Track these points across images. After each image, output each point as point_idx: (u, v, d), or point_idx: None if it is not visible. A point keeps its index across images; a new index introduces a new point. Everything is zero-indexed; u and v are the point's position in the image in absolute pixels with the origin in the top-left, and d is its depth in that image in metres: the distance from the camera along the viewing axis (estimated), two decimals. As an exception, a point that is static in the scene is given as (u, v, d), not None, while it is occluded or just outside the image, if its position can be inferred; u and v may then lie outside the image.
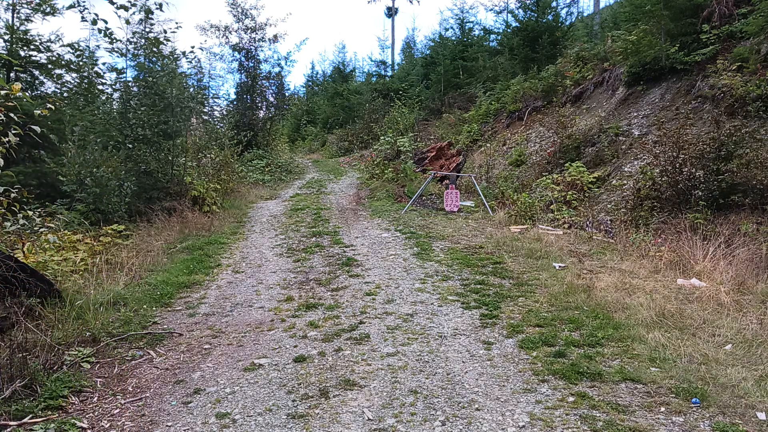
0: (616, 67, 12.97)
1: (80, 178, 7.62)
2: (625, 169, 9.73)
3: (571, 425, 2.92)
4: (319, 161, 23.72)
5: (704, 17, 10.54)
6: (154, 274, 6.14)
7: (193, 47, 18.53)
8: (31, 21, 10.36)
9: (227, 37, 19.54)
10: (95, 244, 6.44)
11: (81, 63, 11.29)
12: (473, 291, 5.38)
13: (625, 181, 9.28)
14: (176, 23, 10.55)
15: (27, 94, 9.03)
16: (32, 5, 10.22)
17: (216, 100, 19.24)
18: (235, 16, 19.19)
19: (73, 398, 3.33)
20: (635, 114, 11.03)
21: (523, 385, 3.40)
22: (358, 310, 4.92)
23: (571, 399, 3.20)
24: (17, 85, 4.43)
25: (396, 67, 35.84)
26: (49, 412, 3.12)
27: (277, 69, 20.94)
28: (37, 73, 10.72)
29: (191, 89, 10.31)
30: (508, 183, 12.24)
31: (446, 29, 27.35)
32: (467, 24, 25.75)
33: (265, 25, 19.58)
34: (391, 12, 37.53)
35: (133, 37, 9.23)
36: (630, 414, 3.02)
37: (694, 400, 3.14)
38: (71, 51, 11.24)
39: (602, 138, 11.02)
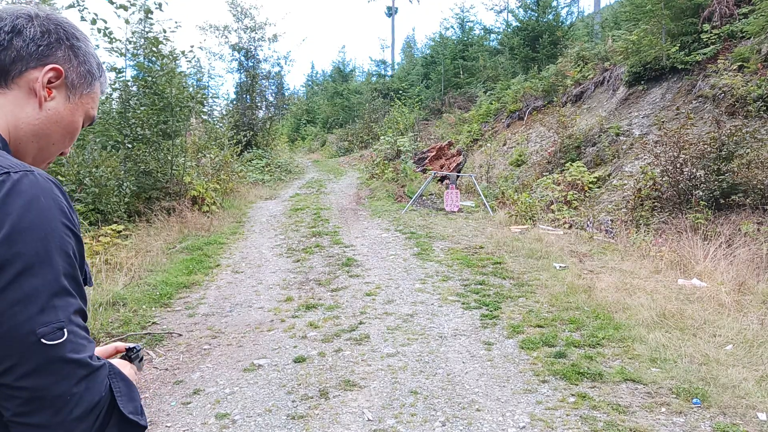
0: (616, 67, 12.96)
1: (79, 177, 7.59)
2: (626, 169, 9.72)
3: (571, 426, 2.91)
4: (318, 161, 23.71)
5: (705, 17, 10.53)
6: (154, 274, 6.13)
7: (192, 47, 18.43)
8: (31, 21, 10.33)
9: (227, 37, 19.56)
10: (94, 244, 6.42)
11: (80, 63, 11.24)
12: (473, 291, 5.37)
13: (626, 181, 9.26)
14: (175, 23, 10.49)
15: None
16: (31, 5, 10.19)
17: (215, 99, 19.22)
18: (234, 15, 19.20)
19: (72, 399, 3.32)
20: (636, 114, 11.02)
21: (524, 386, 3.39)
22: (358, 311, 4.91)
23: (571, 399, 3.19)
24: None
25: (396, 66, 35.86)
26: (48, 413, 3.10)
27: (276, 69, 20.95)
28: (36, 72, 10.68)
29: (191, 89, 10.29)
30: (508, 183, 12.23)
31: (446, 29, 27.39)
32: (467, 23, 25.78)
33: (265, 24, 19.59)
34: (391, 11, 37.53)
35: (132, 37, 9.21)
36: (631, 414, 3.01)
37: (694, 400, 3.13)
38: (71, 51, 11.19)
39: (603, 138, 11.01)
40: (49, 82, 0.91)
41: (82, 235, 0.87)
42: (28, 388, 0.74)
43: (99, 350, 1.06)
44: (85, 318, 0.82)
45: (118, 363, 0.99)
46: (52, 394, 0.74)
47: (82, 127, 1.00)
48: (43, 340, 0.74)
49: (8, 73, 0.89)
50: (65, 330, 0.76)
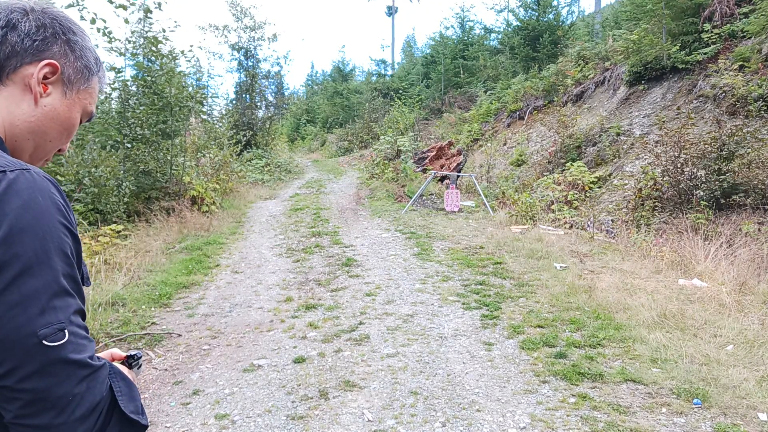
0: (617, 67, 12.95)
1: (78, 177, 7.58)
2: (627, 168, 9.71)
3: (572, 426, 2.89)
4: (318, 161, 23.71)
5: (705, 16, 10.52)
6: (153, 274, 6.12)
7: (191, 46, 18.52)
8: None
9: (226, 36, 19.55)
10: (93, 244, 6.41)
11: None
12: (474, 291, 5.35)
13: (627, 181, 9.25)
14: (175, 22, 10.52)
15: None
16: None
17: (215, 99, 19.23)
18: (234, 15, 19.19)
19: (71, 399, 3.30)
20: (636, 113, 11.01)
21: (524, 386, 3.38)
22: (357, 311, 4.89)
23: (572, 400, 3.18)
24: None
25: (396, 66, 35.86)
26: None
27: (276, 68, 20.96)
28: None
29: (190, 88, 10.27)
30: (508, 183, 12.22)
31: (447, 28, 27.40)
32: (468, 23, 25.77)
33: (264, 23, 19.60)
34: (391, 11, 37.53)
35: (131, 36, 9.20)
36: (631, 415, 3.00)
37: (695, 401, 3.12)
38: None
39: (603, 137, 11.00)
40: (45, 77, 0.89)
41: (79, 234, 0.86)
42: (29, 390, 0.73)
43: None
44: (84, 317, 0.82)
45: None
46: (54, 395, 0.73)
47: (80, 123, 0.98)
48: (44, 342, 0.73)
49: (3, 69, 0.87)
50: (66, 331, 0.75)
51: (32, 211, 0.76)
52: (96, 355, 0.82)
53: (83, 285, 0.86)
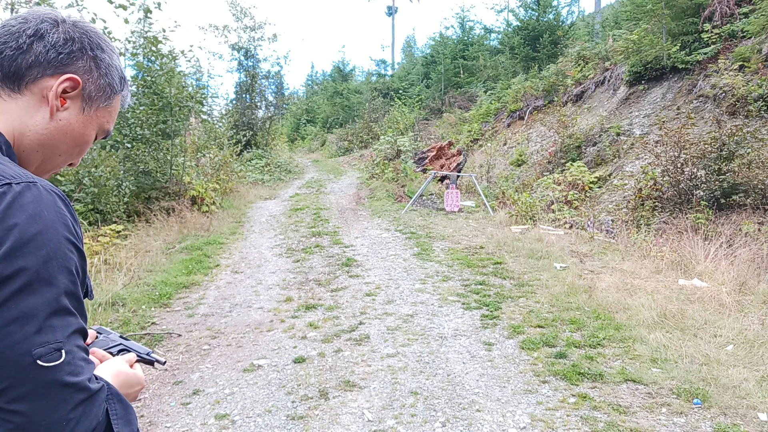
0: (617, 67, 12.95)
1: (78, 177, 7.57)
2: (627, 168, 9.71)
3: (572, 426, 2.90)
4: (318, 161, 23.71)
5: (705, 16, 10.52)
6: (153, 274, 6.11)
7: (191, 46, 18.56)
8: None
9: (226, 36, 19.56)
10: (94, 244, 6.41)
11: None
12: (474, 291, 5.35)
13: (627, 181, 9.25)
14: (175, 22, 10.57)
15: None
16: (31, 4, 10.19)
17: (215, 99, 19.24)
18: (234, 15, 19.19)
19: (71, 399, 3.30)
20: (636, 113, 11.01)
21: (524, 386, 3.38)
22: (357, 311, 4.89)
23: (572, 400, 3.18)
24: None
25: (396, 66, 35.88)
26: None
27: (276, 68, 20.96)
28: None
29: (190, 88, 10.27)
30: (508, 183, 12.22)
31: (447, 28, 27.42)
32: (468, 23, 25.79)
33: (264, 24, 19.61)
34: (391, 11, 37.55)
35: (131, 36, 9.21)
36: (631, 415, 3.00)
37: (695, 401, 3.12)
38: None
39: (603, 137, 10.99)
40: (65, 91, 0.88)
41: (84, 243, 0.84)
42: (21, 412, 0.69)
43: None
44: (85, 337, 0.79)
45: (115, 362, 0.95)
46: (47, 420, 0.70)
47: (96, 139, 0.97)
48: (39, 362, 0.70)
49: (23, 78, 0.86)
50: (63, 351, 0.72)
51: (37, 225, 0.74)
52: (94, 375, 0.79)
53: (86, 298, 0.84)
